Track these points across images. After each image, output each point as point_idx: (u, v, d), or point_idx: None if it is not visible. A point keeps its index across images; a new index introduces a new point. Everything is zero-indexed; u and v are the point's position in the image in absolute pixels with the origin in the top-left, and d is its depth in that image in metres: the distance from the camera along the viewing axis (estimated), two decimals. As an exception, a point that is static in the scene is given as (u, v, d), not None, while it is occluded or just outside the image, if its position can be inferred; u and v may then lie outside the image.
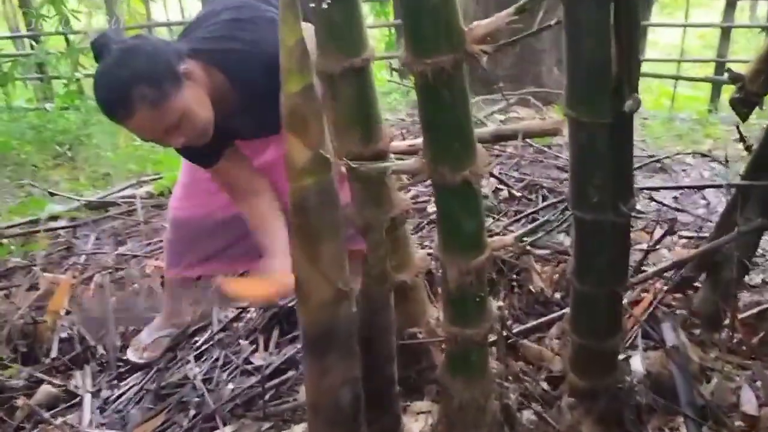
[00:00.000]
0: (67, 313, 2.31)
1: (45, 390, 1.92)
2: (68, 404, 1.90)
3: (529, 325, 1.87)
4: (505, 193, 2.78)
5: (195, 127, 1.50)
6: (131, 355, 2.11)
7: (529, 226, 1.69)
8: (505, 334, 1.74)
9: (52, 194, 3.65)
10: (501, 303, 1.94)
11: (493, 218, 2.42)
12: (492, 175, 2.96)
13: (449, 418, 1.42)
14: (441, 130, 1.10)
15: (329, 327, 1.17)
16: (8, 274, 2.80)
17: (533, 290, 2.05)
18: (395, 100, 5.81)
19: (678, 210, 2.96)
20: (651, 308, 1.87)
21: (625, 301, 1.71)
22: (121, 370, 2.08)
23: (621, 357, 1.56)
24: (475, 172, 1.12)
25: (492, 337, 1.41)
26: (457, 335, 1.33)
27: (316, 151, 1.04)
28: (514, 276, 2.07)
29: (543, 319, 1.91)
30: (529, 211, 2.55)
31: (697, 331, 1.84)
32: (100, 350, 2.17)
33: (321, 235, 1.10)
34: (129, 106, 1.41)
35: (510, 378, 1.61)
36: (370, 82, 1.34)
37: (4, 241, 3.05)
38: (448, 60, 1.01)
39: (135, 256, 2.86)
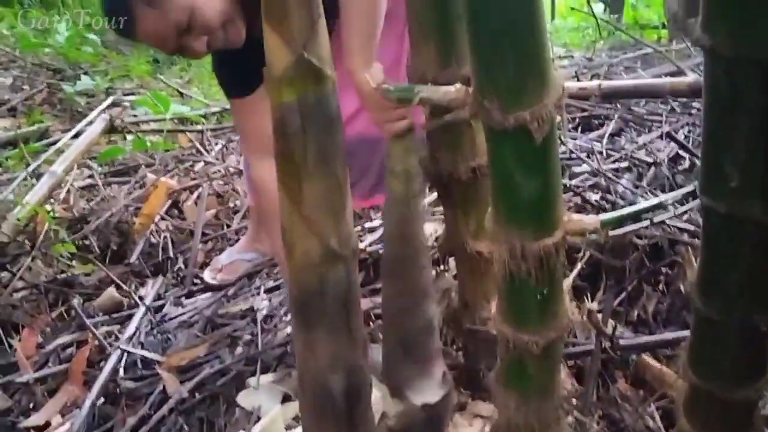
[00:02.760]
0: (163, 218, 2.30)
1: (109, 294, 1.90)
2: (127, 313, 1.86)
3: (651, 338, 1.46)
4: (687, 163, 2.27)
5: (209, 24, 1.32)
6: (206, 274, 2.05)
7: (630, 209, 1.27)
8: (606, 346, 1.38)
9: (180, 93, 3.69)
10: (595, 304, 1.55)
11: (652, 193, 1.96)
12: (672, 137, 2.44)
13: (496, 436, 1.13)
14: (487, 42, 0.77)
15: (315, 293, 0.92)
16: (135, 168, 2.88)
17: (684, 291, 1.62)
18: (590, 37, 5.19)
19: None
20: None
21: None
22: (194, 288, 2.01)
23: (762, 413, 1.14)
24: (538, 113, 0.79)
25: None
26: (509, 337, 1.02)
27: (299, 53, 0.77)
28: (661, 268, 1.65)
29: (680, 333, 1.50)
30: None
31: None
32: (180, 263, 2.12)
33: (305, 170, 0.84)
34: (128, 11, 1.30)
35: (598, 405, 1.27)
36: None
37: (148, 136, 3.15)
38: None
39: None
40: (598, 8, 6.59)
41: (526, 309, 1.00)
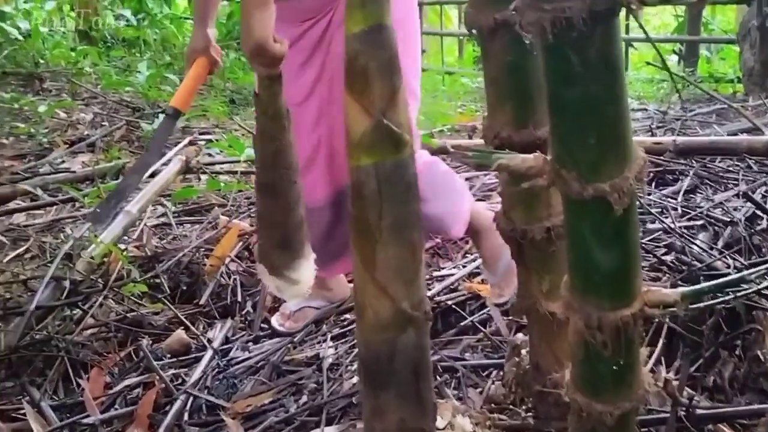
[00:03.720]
0: (233, 260, 2.35)
1: (177, 335, 1.95)
2: (195, 356, 1.91)
3: (729, 408, 1.40)
4: (765, 223, 2.19)
5: None
6: (274, 320, 2.08)
7: (708, 283, 1.22)
8: (682, 415, 1.34)
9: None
10: (672, 373, 1.49)
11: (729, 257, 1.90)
12: (749, 197, 2.36)
13: None
14: (569, 114, 0.78)
15: (385, 355, 0.93)
16: (209, 208, 2.97)
17: (763, 358, 1.56)
18: (665, 91, 5.12)
19: None
20: None
21: None
22: (261, 333, 2.05)
23: None
24: (618, 186, 0.79)
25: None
26: (582, 406, 1.01)
27: (378, 120, 0.80)
28: (739, 334, 1.59)
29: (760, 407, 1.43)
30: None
31: None
32: (249, 306, 2.16)
33: (381, 235, 0.86)
34: None
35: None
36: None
37: (221, 176, 3.25)
38: (578, 7, 0.69)
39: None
40: (672, 60, 6.50)
41: (601, 379, 0.98)
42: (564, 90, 0.76)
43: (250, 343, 2.00)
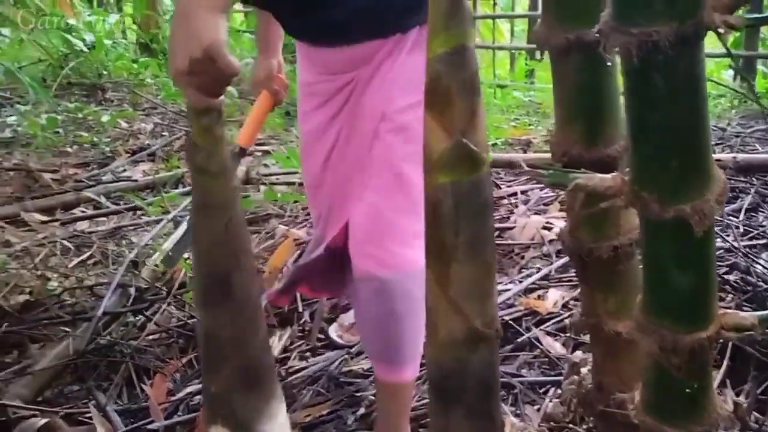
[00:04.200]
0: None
1: (237, 343, 1.98)
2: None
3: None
4: None
5: None
6: (332, 331, 2.09)
7: None
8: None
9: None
10: (741, 398, 1.45)
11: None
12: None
13: None
14: (651, 136, 0.77)
15: (456, 374, 0.93)
16: (266, 218, 3.01)
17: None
18: (722, 106, 5.00)
19: None
20: None
21: None
22: (319, 344, 2.07)
23: None
24: (699, 208, 0.78)
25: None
26: (651, 430, 0.99)
27: (458, 139, 0.81)
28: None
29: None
30: None
31: None
32: (306, 316, 2.18)
33: (456, 252, 0.86)
34: None
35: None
36: (604, 64, 1.03)
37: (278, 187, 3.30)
38: (665, 31, 0.68)
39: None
40: (729, 75, 6.34)
41: (673, 402, 0.97)
42: (647, 112, 0.75)
43: (308, 353, 2.02)
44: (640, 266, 1.23)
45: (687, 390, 0.94)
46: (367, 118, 1.40)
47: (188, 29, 1.01)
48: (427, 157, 0.84)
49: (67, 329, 1.93)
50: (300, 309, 2.20)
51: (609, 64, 0.76)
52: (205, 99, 1.04)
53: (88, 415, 1.66)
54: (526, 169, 0.92)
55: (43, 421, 1.53)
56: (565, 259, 2.27)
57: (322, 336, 2.10)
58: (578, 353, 1.75)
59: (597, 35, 0.95)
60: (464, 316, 0.90)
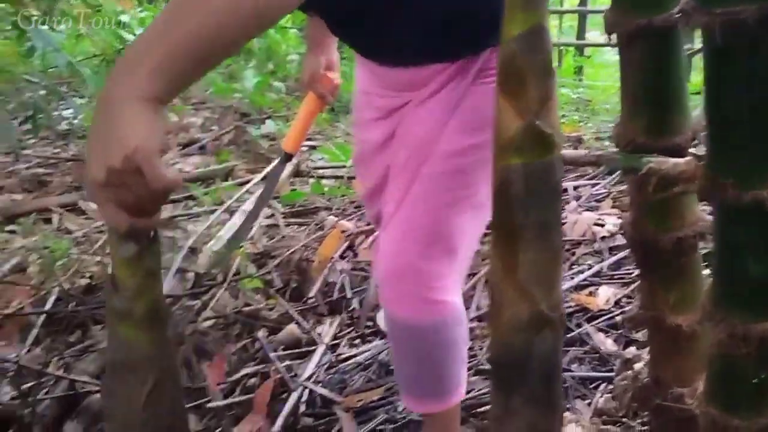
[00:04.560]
0: (339, 259, 2.40)
1: (290, 329, 2.01)
2: (305, 350, 1.96)
3: None
4: None
5: None
6: (380, 319, 2.10)
7: None
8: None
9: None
10: None
11: None
12: None
13: None
14: (732, 120, 0.76)
15: (519, 358, 0.93)
16: (314, 211, 3.04)
17: None
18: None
19: None
20: None
21: None
22: (368, 331, 2.08)
23: None
24: (778, 193, 0.76)
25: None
26: (716, 420, 0.97)
27: (530, 121, 0.80)
28: None
29: None
30: None
31: None
32: (355, 303, 2.20)
33: (524, 236, 0.86)
34: None
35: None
36: (677, 52, 1.02)
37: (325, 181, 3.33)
38: (750, 11, 0.67)
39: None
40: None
41: (739, 393, 0.94)
42: (728, 94, 0.74)
43: (357, 340, 2.04)
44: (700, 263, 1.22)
45: (755, 380, 0.92)
46: (413, 149, 1.21)
47: (108, 126, 0.74)
48: (497, 138, 0.83)
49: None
50: (349, 296, 2.22)
51: (687, 46, 0.75)
52: (127, 219, 0.77)
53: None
54: (597, 153, 0.91)
55: (109, 396, 1.57)
56: (617, 257, 2.25)
57: (370, 323, 2.11)
58: (631, 349, 1.74)
59: (670, 19, 0.94)
60: (530, 299, 0.89)
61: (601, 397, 1.66)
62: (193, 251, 2.16)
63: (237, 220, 2.50)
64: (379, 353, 1.93)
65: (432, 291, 1.21)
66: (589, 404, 1.66)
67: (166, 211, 3.15)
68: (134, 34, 6.67)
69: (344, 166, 3.26)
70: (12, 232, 2.70)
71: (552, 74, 0.81)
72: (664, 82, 1.07)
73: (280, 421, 1.58)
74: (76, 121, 4.51)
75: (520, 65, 0.79)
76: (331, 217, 2.79)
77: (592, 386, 1.73)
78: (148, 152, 0.73)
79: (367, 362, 1.89)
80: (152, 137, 0.75)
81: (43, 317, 1.99)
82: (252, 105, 5.13)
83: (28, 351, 1.83)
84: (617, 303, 2.02)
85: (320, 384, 1.77)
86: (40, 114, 3.16)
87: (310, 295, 2.24)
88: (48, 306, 2.04)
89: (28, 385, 1.63)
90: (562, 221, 2.61)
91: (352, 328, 2.10)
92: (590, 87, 5.93)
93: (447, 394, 1.33)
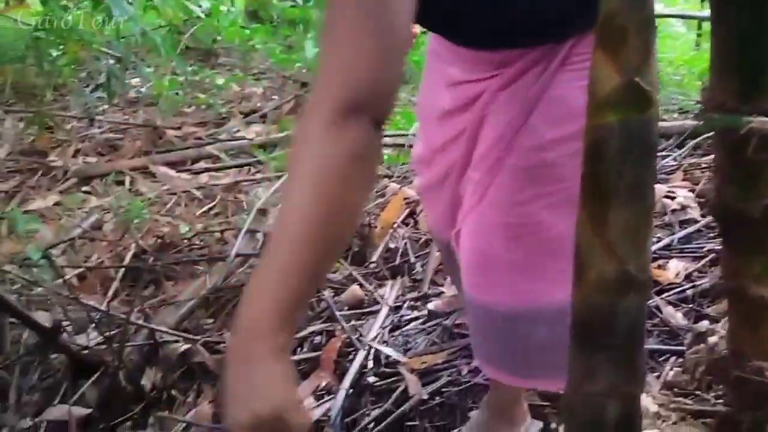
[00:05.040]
0: (400, 226, 2.41)
1: (352, 291, 2.04)
2: (368, 311, 1.98)
3: None
4: None
5: None
6: (447, 284, 2.10)
7: None
8: None
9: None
10: None
11: None
12: None
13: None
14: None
15: (603, 317, 0.91)
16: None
17: None
18: None
19: None
20: None
21: None
22: (430, 292, 2.08)
23: None
24: None
25: None
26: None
27: (629, 78, 0.78)
28: None
29: None
30: None
31: None
32: (418, 267, 2.20)
33: (616, 195, 0.84)
34: None
35: None
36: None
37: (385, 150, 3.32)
38: None
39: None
40: None
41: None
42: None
43: (419, 302, 2.04)
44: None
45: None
46: (496, 139, 1.15)
47: (250, 381, 0.79)
48: (592, 95, 0.81)
49: (199, 267, 2.03)
50: (412, 260, 2.23)
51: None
52: None
53: (222, 345, 1.75)
54: (698, 113, 0.88)
55: (186, 346, 1.63)
56: (687, 230, 2.19)
57: (433, 287, 2.11)
58: (704, 323, 1.70)
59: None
60: (619, 258, 0.87)
61: (671, 370, 1.64)
62: (263, 213, 2.20)
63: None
64: (444, 317, 1.93)
65: (523, 281, 1.18)
66: (658, 377, 1.64)
67: (230, 176, 3.21)
68: (199, 5, 6.77)
69: (405, 134, 3.24)
70: (87, 192, 2.78)
71: (654, 29, 0.78)
72: (760, 40, 1.03)
73: (348, 380, 1.61)
74: (143, 90, 4.60)
75: (621, 23, 0.77)
76: (393, 184, 2.78)
77: (661, 359, 1.71)
78: (292, 405, 0.79)
79: (430, 327, 1.90)
80: (292, 390, 0.82)
81: (121, 271, 2.06)
82: (312, 75, 5.15)
83: (109, 302, 1.91)
84: (687, 277, 1.97)
85: (385, 344, 1.78)
86: (113, 82, 3.23)
87: (372, 259, 2.25)
88: (126, 261, 2.11)
89: (112, 332, 1.70)
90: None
91: (414, 291, 2.11)
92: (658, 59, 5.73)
93: (530, 378, 1.29)
